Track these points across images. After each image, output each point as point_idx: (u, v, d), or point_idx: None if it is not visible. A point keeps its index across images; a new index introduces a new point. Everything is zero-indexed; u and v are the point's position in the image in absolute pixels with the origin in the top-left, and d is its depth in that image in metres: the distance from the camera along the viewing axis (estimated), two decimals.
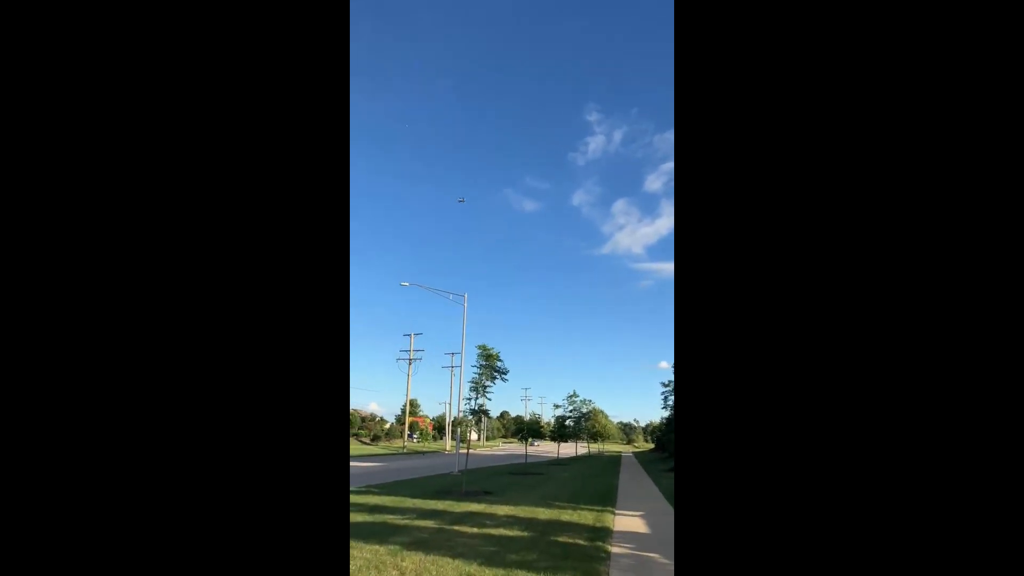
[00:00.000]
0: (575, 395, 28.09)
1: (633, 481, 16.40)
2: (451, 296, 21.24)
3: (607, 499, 10.99)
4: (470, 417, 11.29)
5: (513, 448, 52.53)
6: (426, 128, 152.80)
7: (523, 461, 26.36)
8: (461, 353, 19.19)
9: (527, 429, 20.40)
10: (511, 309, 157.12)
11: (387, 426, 54.59)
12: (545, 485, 13.87)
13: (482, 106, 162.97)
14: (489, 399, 11.34)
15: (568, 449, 47.63)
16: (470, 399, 11.17)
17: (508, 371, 11.23)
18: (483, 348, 11.22)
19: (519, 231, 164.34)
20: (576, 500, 10.56)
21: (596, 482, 15.36)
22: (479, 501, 9.90)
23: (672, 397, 29.08)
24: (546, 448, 50.44)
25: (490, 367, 11.19)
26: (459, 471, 18.40)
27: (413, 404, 72.90)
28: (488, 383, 11.16)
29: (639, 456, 40.69)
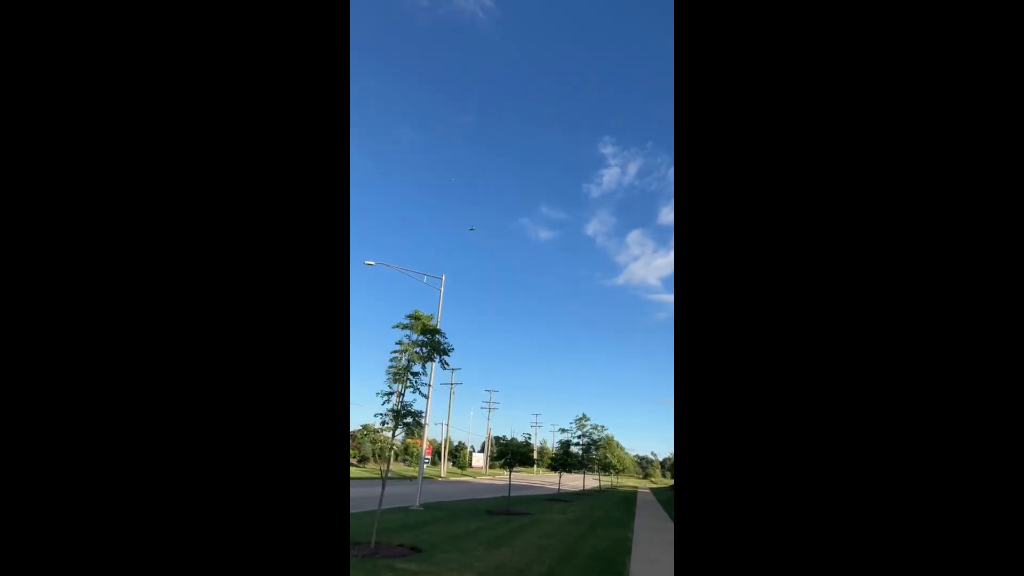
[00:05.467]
0: (585, 418, 23.26)
1: (653, 530, 11.63)
2: (425, 278, 17.10)
3: (614, 572, 6.50)
4: (388, 423, 6.83)
5: (523, 478, 47.42)
6: (448, 159, 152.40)
7: (521, 495, 21.64)
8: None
9: (512, 454, 15.89)
10: (525, 337, 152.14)
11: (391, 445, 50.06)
12: (521, 536, 9.25)
13: (502, 139, 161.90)
14: (424, 394, 6.91)
15: (574, 481, 42.20)
16: (390, 395, 6.77)
17: (452, 349, 6.90)
18: (416, 316, 6.87)
19: (534, 260, 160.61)
20: (560, 573, 6.10)
21: (601, 534, 10.67)
22: None
23: None
24: (550, 479, 45.03)
25: (428, 344, 6.83)
26: (420, 505, 14.04)
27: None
28: (418, 369, 6.75)
29: (658, 494, 35.03)
